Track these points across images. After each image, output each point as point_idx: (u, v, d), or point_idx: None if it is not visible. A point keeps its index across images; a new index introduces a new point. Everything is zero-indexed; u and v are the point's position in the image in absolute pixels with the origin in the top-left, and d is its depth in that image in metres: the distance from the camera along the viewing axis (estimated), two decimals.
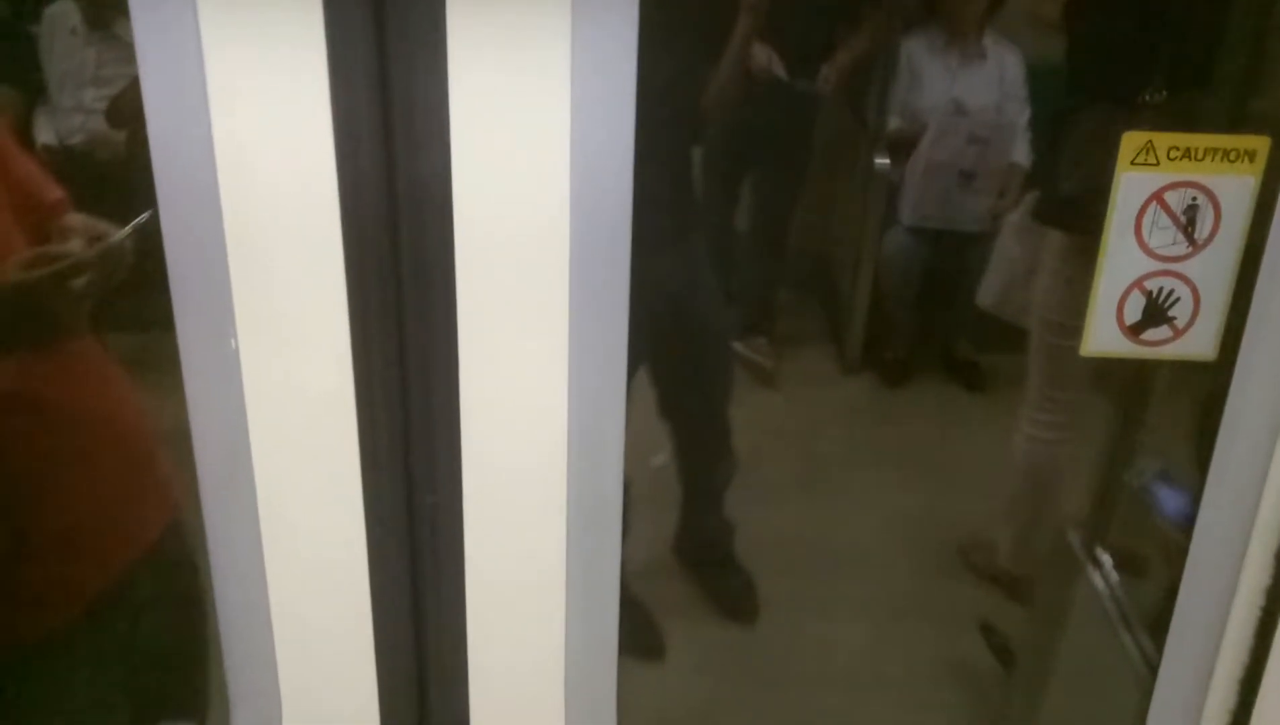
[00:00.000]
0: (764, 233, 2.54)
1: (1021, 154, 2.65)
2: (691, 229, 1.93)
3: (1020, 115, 2.67)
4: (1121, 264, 0.91)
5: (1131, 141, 0.87)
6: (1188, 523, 0.97)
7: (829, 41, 2.34)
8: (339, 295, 0.81)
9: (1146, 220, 0.90)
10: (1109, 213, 0.88)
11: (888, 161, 2.59)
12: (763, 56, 1.99)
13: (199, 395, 0.84)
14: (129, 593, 1.21)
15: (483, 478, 0.88)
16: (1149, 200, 0.89)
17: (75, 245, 1.07)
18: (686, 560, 2.14)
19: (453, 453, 0.87)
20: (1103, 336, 0.93)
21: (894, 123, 2.62)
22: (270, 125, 0.77)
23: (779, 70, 2.01)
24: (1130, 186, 0.89)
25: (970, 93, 2.61)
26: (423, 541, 0.90)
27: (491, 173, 0.79)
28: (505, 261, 0.81)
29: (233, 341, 0.82)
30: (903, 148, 2.60)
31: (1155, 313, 0.93)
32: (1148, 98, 1.10)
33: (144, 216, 1.01)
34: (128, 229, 1.05)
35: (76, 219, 1.09)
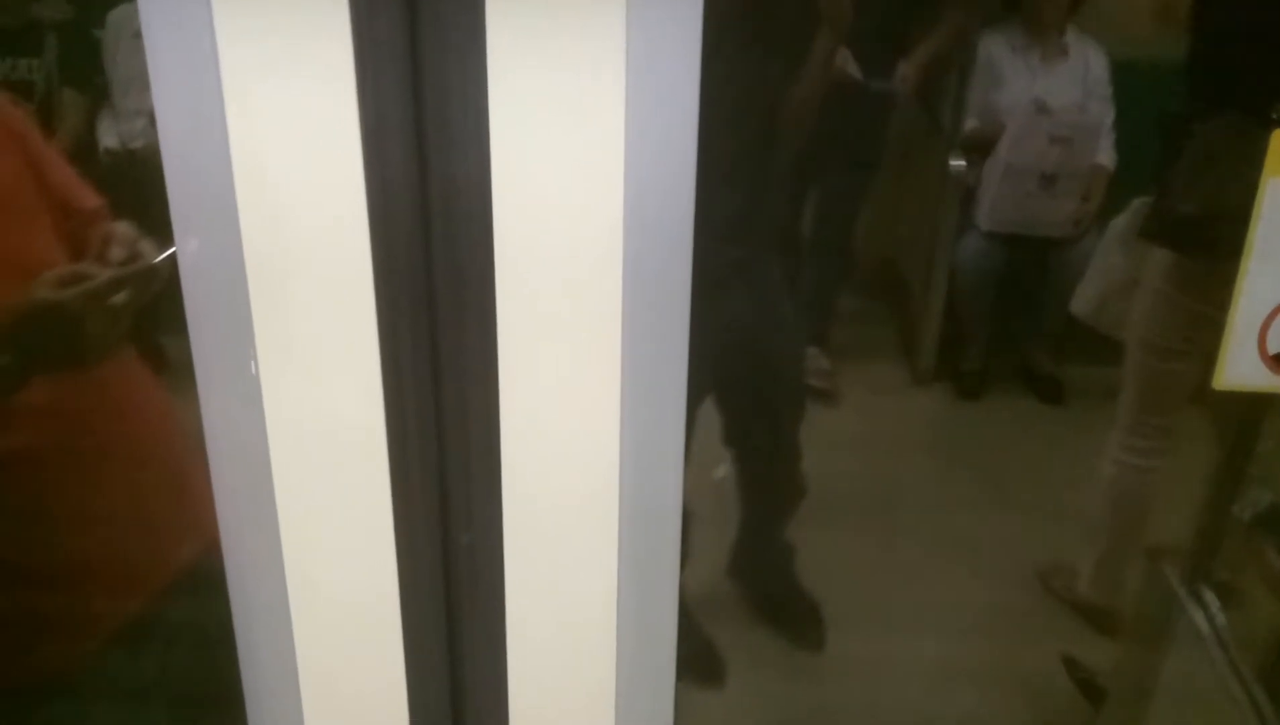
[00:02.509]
0: (834, 240, 2.46)
1: (1106, 155, 2.56)
2: (758, 239, 1.84)
3: (1105, 115, 2.58)
4: (1266, 285, 0.79)
5: None
6: None
7: (905, 39, 2.26)
8: (367, 314, 0.74)
9: None
10: (1251, 226, 0.77)
11: (964, 163, 2.52)
12: (837, 56, 1.89)
13: (217, 424, 0.78)
14: (157, 622, 1.17)
15: (524, 515, 0.81)
16: None
17: (116, 254, 1.04)
18: (747, 585, 2.05)
19: (491, 488, 0.79)
20: (1241, 368, 0.81)
21: (971, 123, 2.53)
22: (291, 127, 0.70)
23: (853, 70, 1.91)
24: (1278, 195, 0.77)
25: (1052, 92, 2.53)
26: (459, 584, 0.83)
27: (536, 179, 0.71)
28: (551, 278, 0.73)
29: (253, 366, 0.76)
30: (980, 149, 2.52)
31: None
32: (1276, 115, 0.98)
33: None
34: (173, 249, 1.02)
35: (117, 228, 1.06)
